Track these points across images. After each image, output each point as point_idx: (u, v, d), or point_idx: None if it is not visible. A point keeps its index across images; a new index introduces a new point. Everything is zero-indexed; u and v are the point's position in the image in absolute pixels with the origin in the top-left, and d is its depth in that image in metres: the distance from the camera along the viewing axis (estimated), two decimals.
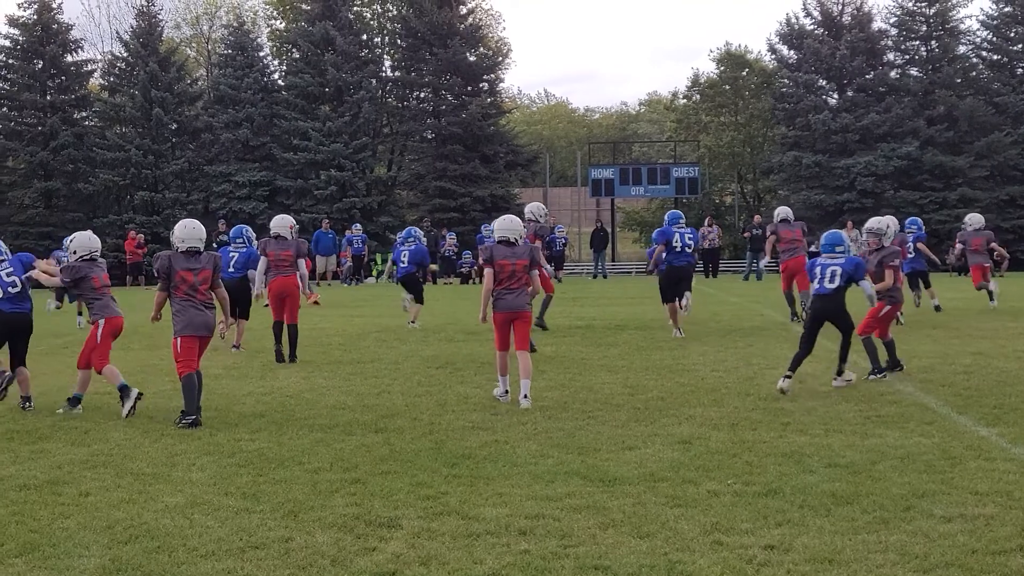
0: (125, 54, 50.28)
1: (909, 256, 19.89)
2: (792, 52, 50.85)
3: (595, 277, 41.78)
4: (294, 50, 51.35)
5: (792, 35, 50.66)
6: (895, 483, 7.66)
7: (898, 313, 14.61)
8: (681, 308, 17.65)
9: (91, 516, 7.15)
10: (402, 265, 20.15)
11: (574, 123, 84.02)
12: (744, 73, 56.49)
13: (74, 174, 47.36)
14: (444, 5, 50.45)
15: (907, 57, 50.32)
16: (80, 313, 19.27)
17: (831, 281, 12.00)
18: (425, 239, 21.65)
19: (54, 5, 48.69)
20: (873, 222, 13.86)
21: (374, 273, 42.42)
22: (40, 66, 48.38)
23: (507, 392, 11.45)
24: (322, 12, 49.60)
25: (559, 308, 20.16)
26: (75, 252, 11.64)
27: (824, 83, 49.90)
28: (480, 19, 54.85)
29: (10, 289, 11.45)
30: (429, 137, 51.53)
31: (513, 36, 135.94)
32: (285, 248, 15.58)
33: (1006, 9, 48.62)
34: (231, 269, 16.42)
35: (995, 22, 49.17)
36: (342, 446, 9.25)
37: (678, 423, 10.08)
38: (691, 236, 17.63)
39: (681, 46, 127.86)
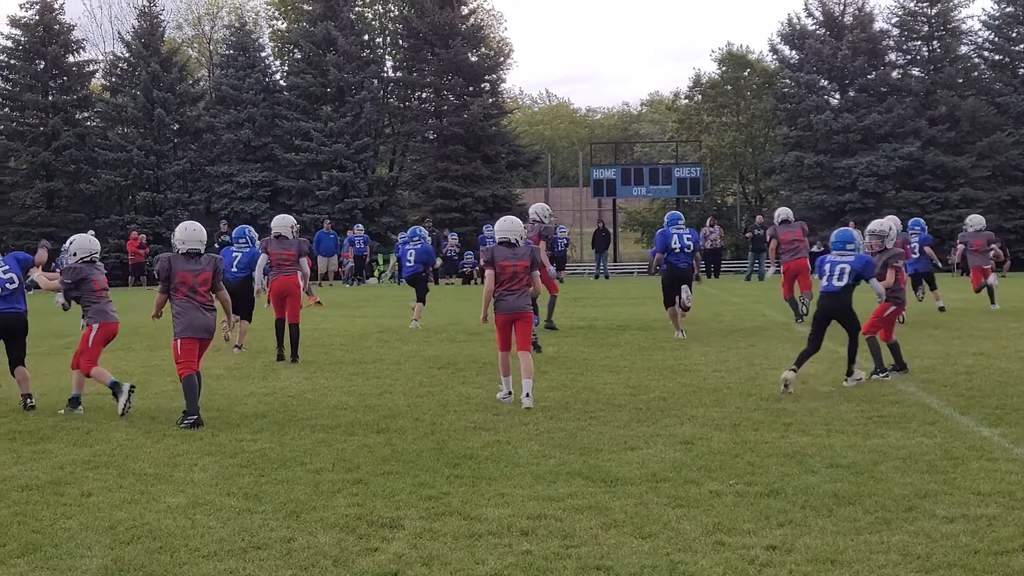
0: (127, 54, 50.37)
1: (913, 256, 19.87)
2: (794, 52, 50.87)
3: (597, 277, 41.76)
4: (296, 50, 51.39)
5: (794, 35, 50.69)
6: (897, 483, 7.65)
7: (901, 313, 14.63)
8: (681, 307, 17.63)
9: (93, 516, 7.15)
10: (408, 264, 20.28)
11: (576, 123, 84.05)
12: (746, 73, 56.52)
13: (76, 174, 47.42)
14: (446, 5, 50.47)
15: (909, 57, 50.36)
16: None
17: (840, 279, 11.99)
18: (429, 238, 21.75)
19: (56, 6, 48.80)
20: (875, 224, 13.83)
21: (376, 273, 42.42)
22: (42, 66, 48.47)
23: (510, 393, 11.45)
24: (324, 12, 49.63)
25: (561, 308, 20.14)
26: (75, 254, 11.63)
27: (826, 83, 49.93)
28: (482, 19, 54.93)
29: (8, 286, 11.48)
30: (431, 137, 51.56)
31: (515, 36, 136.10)
32: (286, 247, 15.62)
33: (1008, 9, 48.65)
34: (234, 269, 16.43)
35: (997, 22, 49.20)
36: (344, 446, 9.25)
37: (680, 423, 10.08)
38: (690, 237, 17.59)
39: (683, 46, 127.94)
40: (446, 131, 49.42)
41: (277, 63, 54.04)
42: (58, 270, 12.12)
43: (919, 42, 49.85)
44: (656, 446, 9.06)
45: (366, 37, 52.72)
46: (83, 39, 50.68)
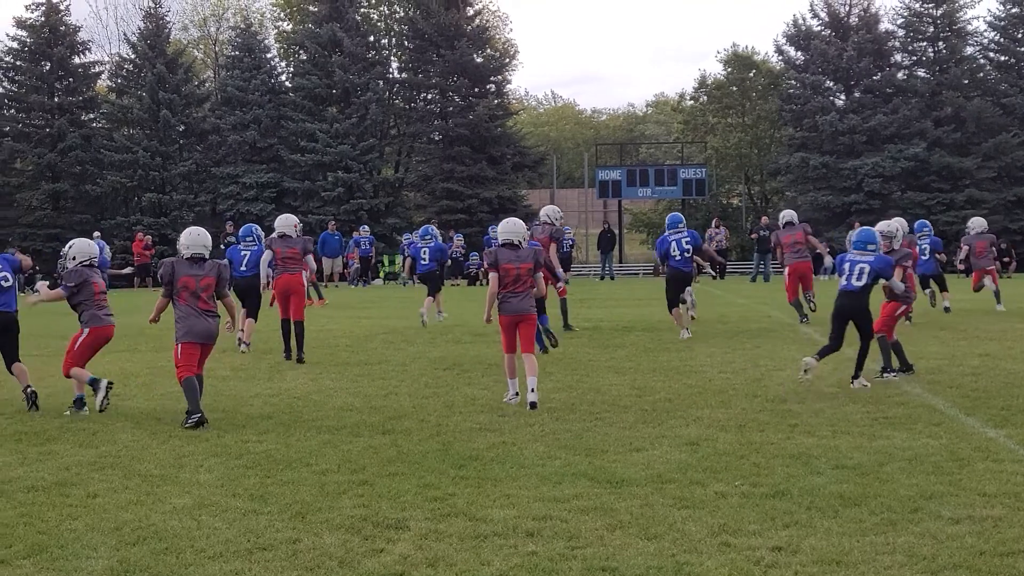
0: (133, 56, 50.41)
1: (922, 259, 19.86)
2: (799, 53, 50.81)
3: (602, 278, 41.78)
4: (301, 52, 51.38)
5: (799, 36, 50.63)
6: (903, 485, 7.65)
7: (909, 314, 14.68)
8: (687, 308, 17.75)
9: (99, 518, 7.16)
10: (423, 262, 20.65)
11: (581, 124, 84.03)
12: (751, 74, 56.47)
13: (82, 176, 47.47)
14: (451, 7, 50.47)
15: (914, 58, 50.31)
16: None
17: (859, 279, 12.05)
18: (440, 237, 22.02)
19: (62, 7, 48.87)
20: (882, 225, 13.87)
21: (381, 275, 42.45)
22: (48, 68, 48.54)
23: (517, 395, 11.45)
24: (329, 14, 49.64)
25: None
26: (74, 258, 11.68)
27: (831, 84, 49.87)
28: (487, 20, 54.94)
29: (2, 283, 11.54)
30: (436, 138, 51.53)
31: (520, 37, 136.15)
32: (291, 246, 15.66)
33: (1014, 10, 48.59)
34: (243, 268, 16.53)
35: (1002, 23, 49.15)
36: (349, 448, 9.26)
37: (685, 425, 10.08)
38: (689, 240, 17.64)
39: (688, 48, 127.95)
40: (451, 132, 49.43)
41: (283, 64, 54.12)
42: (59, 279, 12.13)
43: (925, 43, 49.81)
44: (662, 447, 9.06)
45: (372, 38, 52.69)
46: (89, 40, 50.87)
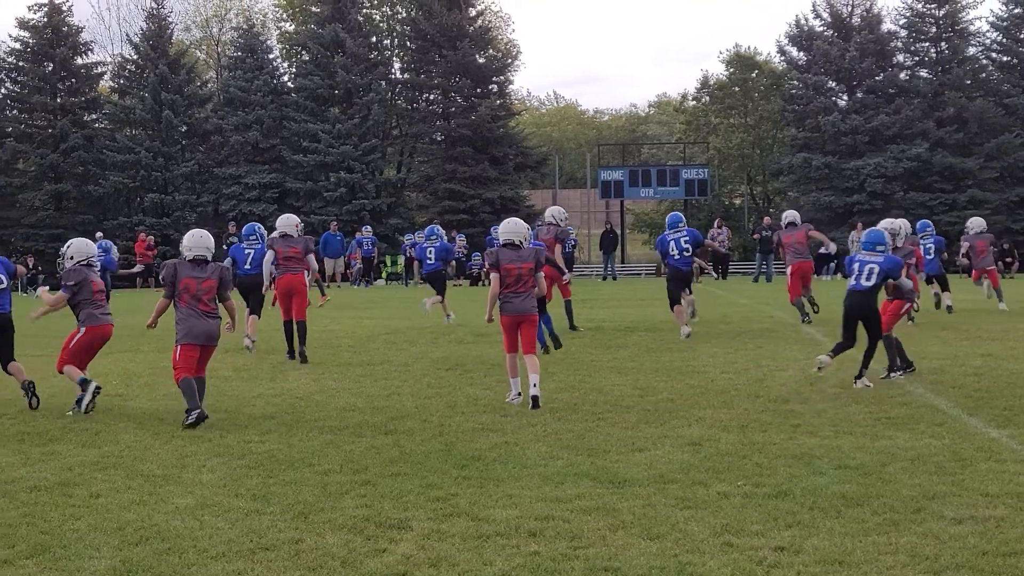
0: (135, 56, 50.42)
1: (928, 258, 19.87)
2: (802, 54, 50.80)
3: (604, 279, 41.76)
4: (304, 52, 51.39)
5: (801, 37, 50.62)
6: (905, 485, 7.65)
7: (912, 312, 14.74)
8: (688, 314, 17.89)
9: (101, 518, 7.17)
10: (429, 262, 20.76)
11: (583, 125, 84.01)
12: (753, 75, 56.48)
13: (84, 176, 47.48)
14: (453, 7, 50.45)
15: (917, 59, 50.27)
16: None
17: (868, 279, 12.11)
18: (445, 237, 22.14)
19: (64, 8, 48.86)
20: (887, 222, 13.95)
21: (383, 275, 42.45)
22: (50, 68, 48.55)
23: (519, 395, 11.45)
24: (331, 14, 49.65)
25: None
26: (72, 257, 11.72)
27: (834, 85, 49.86)
28: (489, 21, 54.94)
29: None
30: (438, 139, 51.53)
31: (522, 38, 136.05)
32: (292, 246, 15.67)
33: (1016, 11, 48.55)
34: (247, 266, 16.62)
35: (1005, 23, 49.13)
36: (352, 448, 9.26)
37: (688, 425, 10.08)
38: (687, 239, 17.72)
39: (690, 48, 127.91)
40: (454, 133, 49.42)
41: (285, 65, 54.10)
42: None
43: (927, 43, 49.78)
44: (664, 447, 9.06)
45: (374, 39, 52.70)
46: (91, 41, 50.91)
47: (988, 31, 49.95)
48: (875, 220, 17.36)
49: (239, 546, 6.50)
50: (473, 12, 52.18)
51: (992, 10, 79.14)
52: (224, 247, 29.14)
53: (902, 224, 14.41)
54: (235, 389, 12.84)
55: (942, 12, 48.88)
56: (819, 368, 12.16)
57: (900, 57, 50.36)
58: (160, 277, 11.17)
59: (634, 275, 46.79)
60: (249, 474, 8.35)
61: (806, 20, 50.99)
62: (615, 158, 55.78)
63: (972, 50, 49.90)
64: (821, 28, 50.70)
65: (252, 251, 16.75)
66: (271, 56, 52.15)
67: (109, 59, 55.89)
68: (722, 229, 42.10)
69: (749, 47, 59.24)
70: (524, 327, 11.45)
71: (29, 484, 8.12)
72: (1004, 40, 49.40)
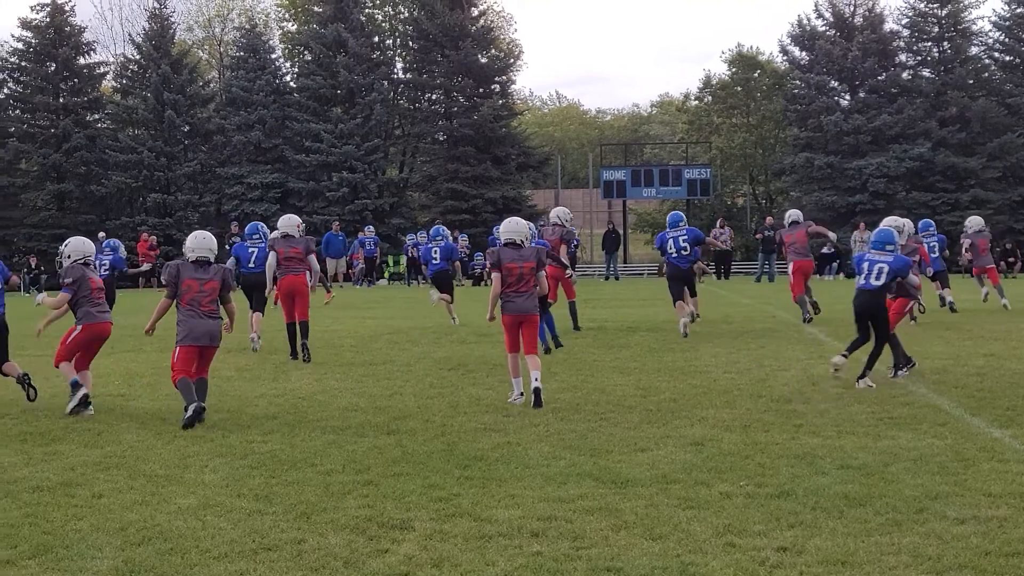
0: (137, 56, 50.46)
1: (933, 256, 19.93)
2: (804, 53, 50.76)
3: (607, 279, 41.76)
4: (306, 52, 51.40)
5: (804, 36, 50.57)
6: (908, 485, 7.64)
7: (915, 311, 14.80)
8: (691, 315, 17.93)
9: (104, 518, 7.17)
10: (434, 262, 20.85)
11: (586, 125, 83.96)
12: (756, 74, 56.46)
13: (87, 176, 47.49)
14: (455, 7, 50.45)
15: (919, 58, 50.23)
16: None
17: (877, 278, 12.16)
18: (450, 237, 22.22)
19: (67, 8, 48.86)
20: (890, 220, 14.00)
21: (386, 275, 42.46)
22: (53, 68, 48.56)
23: (522, 395, 11.45)
24: (334, 14, 49.65)
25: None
26: (69, 256, 11.76)
27: (836, 84, 49.81)
28: (491, 21, 54.91)
29: None
30: (441, 139, 51.53)
31: (524, 38, 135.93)
32: (294, 246, 15.69)
33: (1019, 10, 48.48)
34: (251, 264, 16.72)
35: (1007, 23, 49.06)
36: (354, 448, 9.26)
37: (690, 425, 10.07)
38: (686, 238, 17.81)
39: (692, 48, 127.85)
40: (456, 132, 49.42)
41: (287, 65, 54.09)
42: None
43: (929, 43, 49.72)
44: (666, 447, 9.06)
45: (376, 39, 52.71)
46: (94, 41, 50.88)
47: (991, 31, 49.93)
48: (877, 220, 17.36)
49: (241, 546, 6.50)
50: (475, 12, 52.18)
51: (995, 9, 79.20)
52: (227, 247, 29.18)
53: (905, 223, 14.46)
54: (238, 389, 12.85)
55: (944, 12, 48.82)
56: (836, 370, 12.22)
57: (902, 57, 50.30)
58: (163, 278, 11.19)
59: (636, 275, 46.80)
60: (251, 474, 8.35)
61: (808, 20, 50.99)
62: (617, 158, 55.76)
63: (975, 50, 49.83)
64: (823, 28, 50.65)
65: (256, 249, 16.81)
66: (273, 56, 52.15)
67: (111, 59, 55.98)
68: (724, 229, 42.09)
69: (751, 47, 59.27)
70: (526, 327, 11.45)
71: (31, 484, 8.12)
72: (1007, 40, 49.34)
